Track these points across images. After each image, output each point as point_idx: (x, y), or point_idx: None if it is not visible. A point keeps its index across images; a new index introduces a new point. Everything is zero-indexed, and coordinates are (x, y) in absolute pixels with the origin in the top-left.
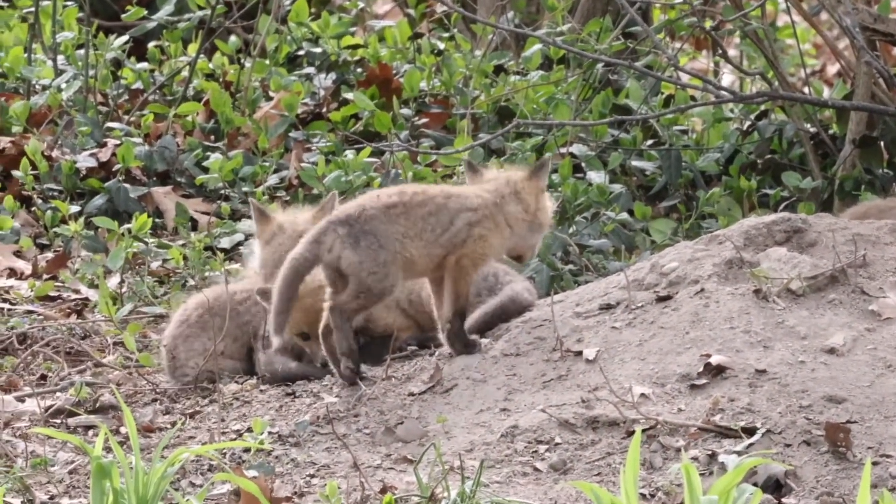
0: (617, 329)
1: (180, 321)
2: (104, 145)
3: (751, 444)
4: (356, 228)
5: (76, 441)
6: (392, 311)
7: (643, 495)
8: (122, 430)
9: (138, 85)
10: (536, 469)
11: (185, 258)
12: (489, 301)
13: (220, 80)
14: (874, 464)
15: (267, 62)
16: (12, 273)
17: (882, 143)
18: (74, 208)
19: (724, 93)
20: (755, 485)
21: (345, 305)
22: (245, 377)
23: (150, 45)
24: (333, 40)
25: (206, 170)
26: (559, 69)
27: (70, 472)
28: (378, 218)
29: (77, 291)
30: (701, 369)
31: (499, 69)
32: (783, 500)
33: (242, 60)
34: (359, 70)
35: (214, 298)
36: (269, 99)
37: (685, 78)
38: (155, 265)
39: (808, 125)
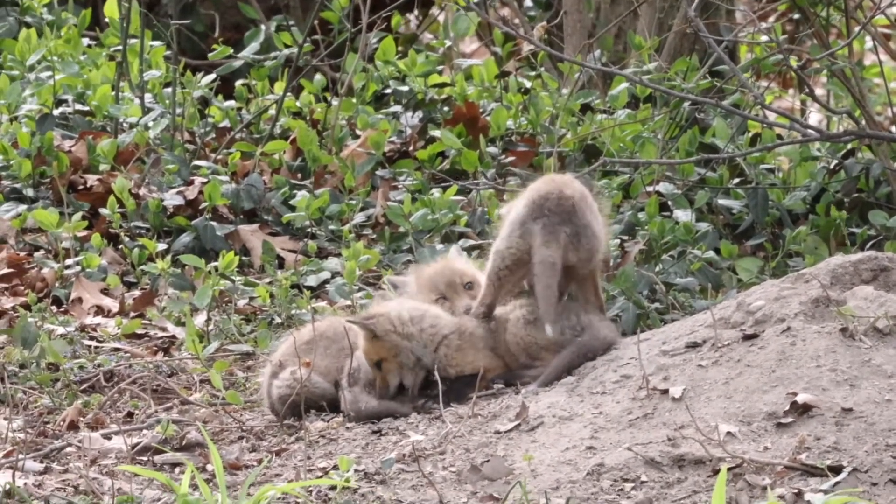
0: (703, 367)
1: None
2: (191, 183)
3: (837, 483)
4: (576, 227)
5: (163, 478)
6: (480, 352)
7: None
8: (209, 467)
9: (225, 123)
10: None
11: (271, 296)
12: (574, 340)
13: (307, 118)
14: None
15: (354, 100)
16: (99, 311)
17: None
18: (161, 246)
19: (810, 131)
20: None
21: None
22: (331, 415)
23: (237, 83)
24: (420, 79)
25: (292, 208)
26: (646, 108)
27: None
28: (585, 213)
29: (164, 329)
30: (787, 408)
31: (585, 108)
32: None
33: (329, 99)
34: (445, 108)
35: (328, 325)
36: (356, 137)
37: (772, 116)
38: (241, 303)
39: (895, 164)
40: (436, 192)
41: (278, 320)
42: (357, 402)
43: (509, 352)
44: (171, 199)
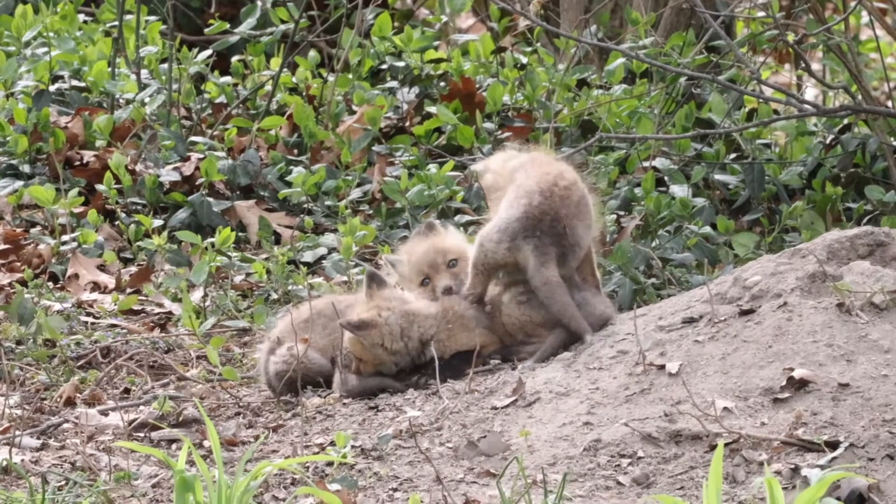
0: (700, 343)
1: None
2: (187, 159)
3: (834, 458)
4: (563, 249)
5: (159, 455)
6: (472, 331)
7: None
8: (206, 443)
9: (221, 99)
10: (619, 483)
11: (268, 272)
12: None
13: (304, 93)
14: None
15: (350, 76)
16: (96, 287)
17: None
18: (158, 222)
19: (807, 106)
20: (838, 499)
21: None
22: (328, 391)
23: (234, 59)
24: (416, 54)
25: (289, 184)
26: (642, 83)
27: (153, 486)
28: (577, 230)
29: (160, 305)
30: (784, 383)
31: (581, 83)
32: None
33: (325, 74)
34: (442, 84)
35: (326, 303)
36: (353, 113)
37: (768, 91)
38: (238, 279)
39: (892, 139)
40: (432, 168)
41: (275, 296)
42: (347, 383)
43: (507, 332)
44: (168, 175)
